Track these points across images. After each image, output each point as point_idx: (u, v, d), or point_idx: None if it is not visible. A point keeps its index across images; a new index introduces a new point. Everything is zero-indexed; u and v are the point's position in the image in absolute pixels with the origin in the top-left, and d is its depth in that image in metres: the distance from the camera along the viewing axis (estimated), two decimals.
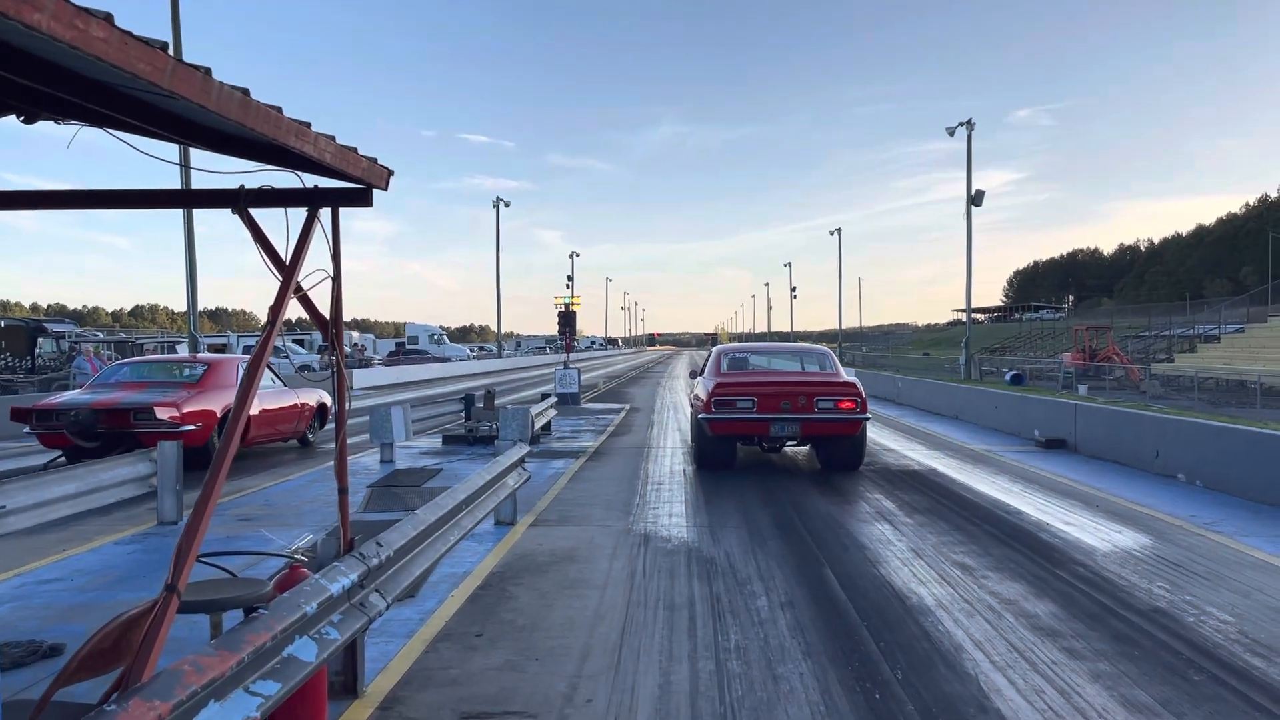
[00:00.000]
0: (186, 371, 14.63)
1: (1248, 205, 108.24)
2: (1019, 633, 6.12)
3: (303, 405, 16.31)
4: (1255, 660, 5.61)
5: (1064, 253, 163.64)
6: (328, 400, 17.29)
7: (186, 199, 5.20)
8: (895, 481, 12.66)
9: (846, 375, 14.15)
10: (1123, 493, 11.62)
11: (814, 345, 17.57)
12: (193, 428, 13.01)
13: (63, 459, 12.95)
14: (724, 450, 13.45)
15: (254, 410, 14.09)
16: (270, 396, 15.14)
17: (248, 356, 17.37)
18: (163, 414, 12.69)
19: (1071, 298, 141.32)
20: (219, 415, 13.53)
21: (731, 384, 13.32)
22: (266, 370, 13.62)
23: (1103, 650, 5.78)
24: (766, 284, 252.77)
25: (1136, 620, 6.40)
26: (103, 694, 3.41)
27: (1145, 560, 8.13)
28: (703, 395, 13.42)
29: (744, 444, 14.07)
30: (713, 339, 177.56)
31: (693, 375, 16.55)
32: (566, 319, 36.74)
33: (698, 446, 13.82)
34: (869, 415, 13.17)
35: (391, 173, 4.72)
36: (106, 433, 12.71)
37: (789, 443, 13.57)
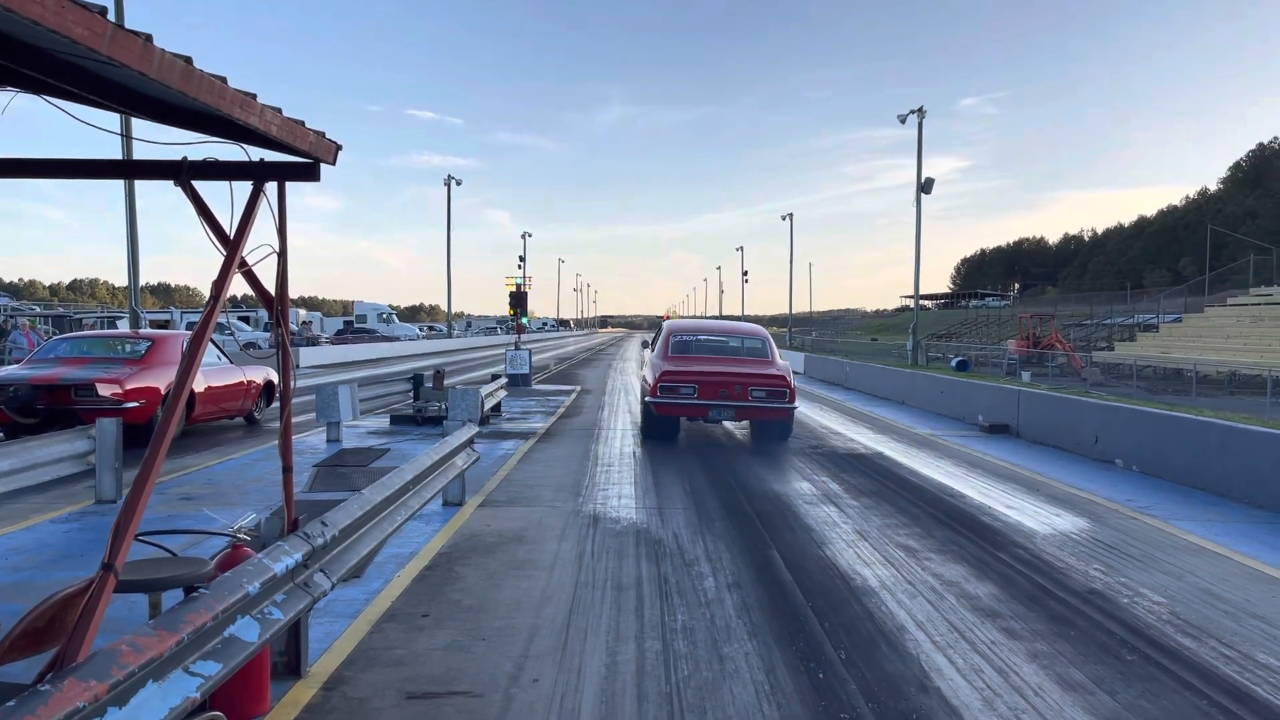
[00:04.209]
0: (129, 347, 14.33)
1: (1187, 198, 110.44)
2: (960, 613, 6.24)
3: (249, 383, 16.08)
4: (1186, 640, 5.77)
5: (1010, 241, 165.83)
6: (274, 377, 16.81)
7: (127, 170, 5.08)
8: (842, 464, 12.81)
9: (779, 361, 15.22)
10: (1063, 477, 11.88)
11: (754, 326, 18.48)
12: (135, 405, 12.81)
13: (0, 435, 12.62)
14: (668, 427, 14.76)
15: (199, 387, 14.18)
16: (216, 373, 14.95)
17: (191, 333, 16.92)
18: (104, 390, 12.51)
19: (1017, 286, 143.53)
20: (163, 392, 13.27)
21: (676, 372, 14.22)
22: (211, 346, 13.56)
23: (1040, 631, 5.91)
24: (718, 267, 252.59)
25: (1073, 601, 6.56)
26: (37, 674, 3.34)
27: (1083, 543, 8.32)
28: (650, 380, 14.52)
29: (699, 420, 15.49)
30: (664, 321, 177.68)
31: (644, 346, 17.70)
32: (518, 300, 36.57)
33: (645, 422, 15.00)
34: (795, 405, 14.31)
35: (339, 147, 4.64)
36: (46, 409, 12.44)
37: (724, 419, 14.81)
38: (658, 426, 14.61)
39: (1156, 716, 4.64)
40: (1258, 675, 5.21)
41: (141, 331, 16.81)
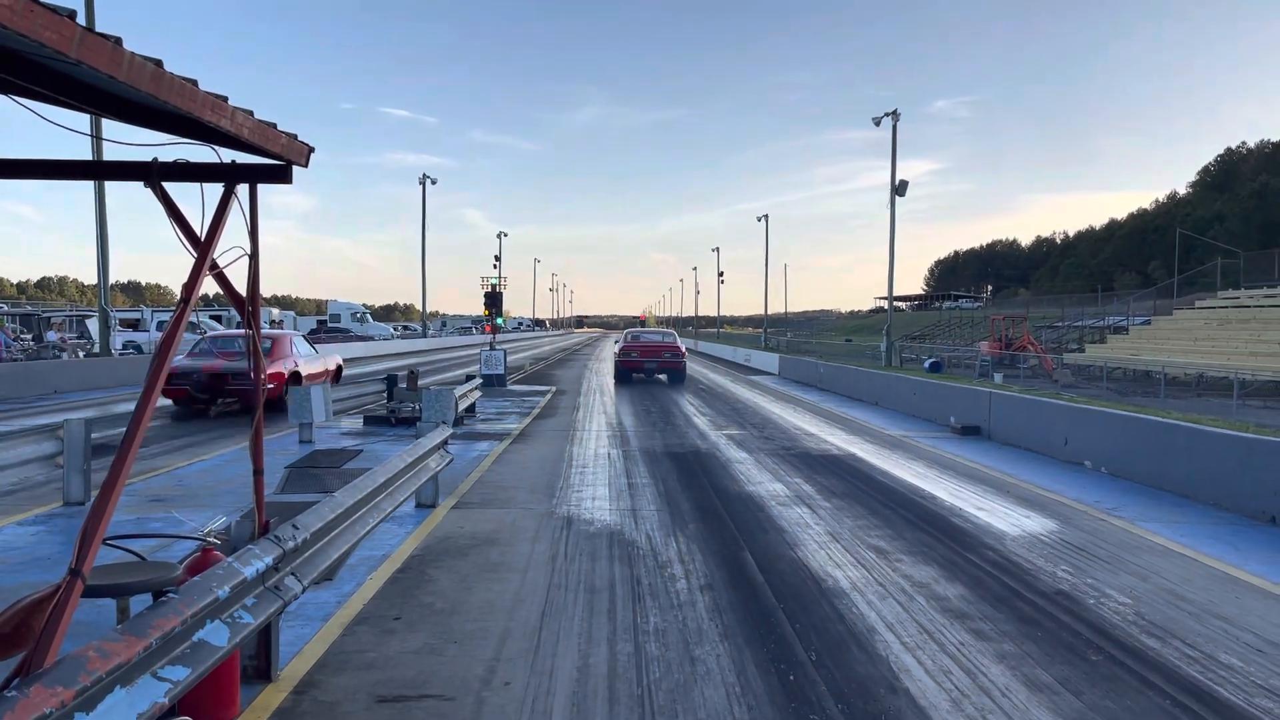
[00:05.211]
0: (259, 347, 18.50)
1: (1157, 202, 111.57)
2: (929, 615, 6.30)
3: (327, 370, 21.40)
4: (1150, 641, 5.86)
5: (983, 243, 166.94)
6: (341, 361, 23.18)
7: (97, 170, 5.04)
8: (815, 466, 12.88)
9: (679, 342, 30.42)
10: (1033, 478, 12.00)
11: (669, 330, 37.10)
12: (270, 386, 17.24)
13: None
14: (626, 375, 28.93)
15: (306, 371, 19.56)
16: (313, 361, 20.47)
17: (298, 332, 22.03)
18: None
19: (990, 287, 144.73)
20: (286, 376, 18.21)
21: (628, 347, 29.36)
22: (304, 343, 20.67)
23: (1008, 632, 5.98)
24: (694, 268, 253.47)
25: (1041, 603, 6.63)
26: (3, 680, 3.31)
27: (1051, 545, 8.42)
28: (617, 351, 29.94)
29: (635, 373, 28.96)
30: (641, 322, 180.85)
31: (616, 342, 36.24)
32: (493, 300, 36.46)
33: (616, 370, 29.42)
34: (685, 361, 29.80)
35: (312, 149, 4.63)
36: (212, 389, 17.31)
37: (653, 372, 28.97)
38: (622, 373, 28.89)
39: (1120, 717, 4.71)
40: (1220, 675, 5.30)
41: (264, 332, 21.18)
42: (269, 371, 17.50)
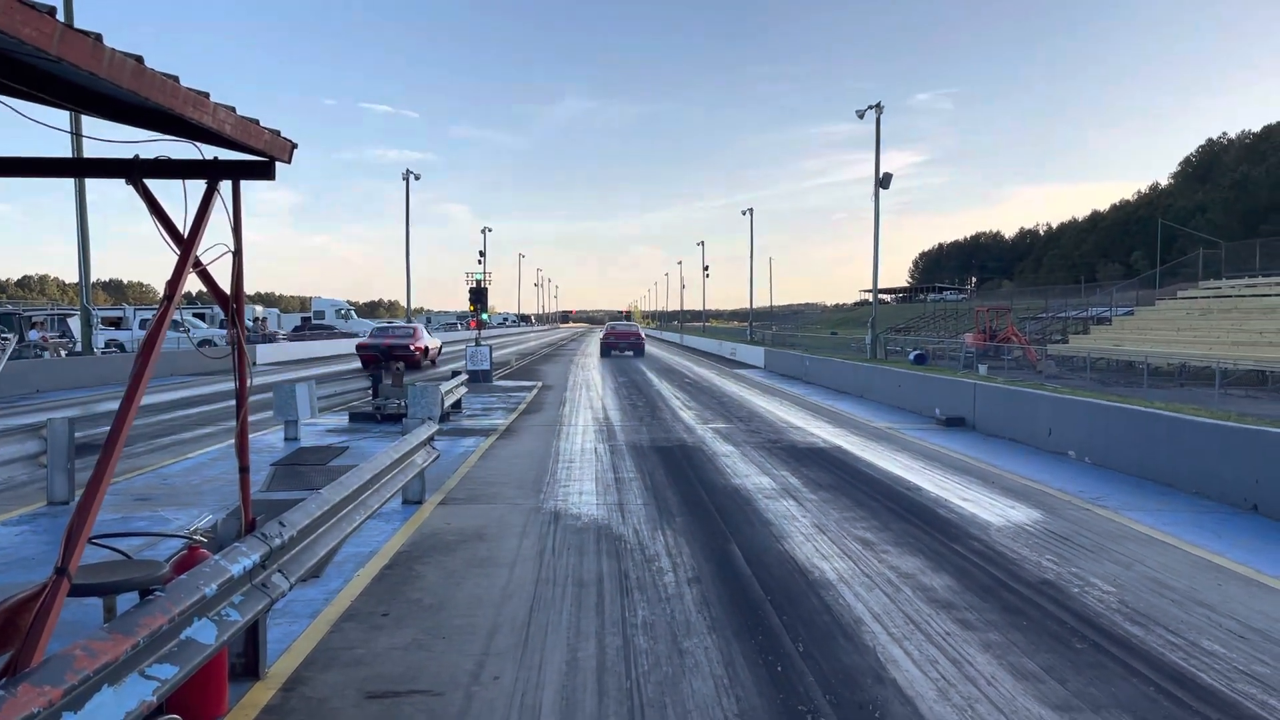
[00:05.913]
0: (406, 331, 33.16)
1: (1139, 193, 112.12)
2: (916, 605, 6.33)
3: (438, 345, 34.83)
4: (1134, 628, 5.91)
5: (967, 235, 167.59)
6: (442, 342, 37.75)
7: (77, 168, 5.00)
8: (801, 458, 12.92)
9: (642, 330, 54.72)
10: (1017, 469, 12.07)
11: (632, 323, 61.50)
12: (419, 355, 30.80)
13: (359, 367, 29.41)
14: (607, 350, 46.89)
15: (431, 346, 33.64)
16: (432, 341, 33.71)
17: (422, 324, 35.41)
18: (411, 349, 30.44)
19: (974, 279, 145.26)
20: (424, 349, 31.62)
21: (609, 334, 49.68)
22: (424, 329, 37.92)
23: (994, 621, 6.02)
24: (680, 262, 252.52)
25: (1026, 592, 6.68)
26: None
27: (1036, 534, 8.48)
28: (601, 337, 51.65)
29: (613, 350, 46.81)
30: (626, 316, 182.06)
31: (602, 331, 58.97)
32: (479, 295, 36.46)
33: (600, 349, 47.82)
34: (645, 343, 49.68)
35: (295, 146, 4.62)
36: (387, 356, 27.45)
37: (625, 349, 47.02)
38: (604, 350, 46.62)
39: (1105, 703, 4.76)
40: (1203, 661, 5.35)
41: (408, 324, 36.28)
42: (416, 345, 31.57)
